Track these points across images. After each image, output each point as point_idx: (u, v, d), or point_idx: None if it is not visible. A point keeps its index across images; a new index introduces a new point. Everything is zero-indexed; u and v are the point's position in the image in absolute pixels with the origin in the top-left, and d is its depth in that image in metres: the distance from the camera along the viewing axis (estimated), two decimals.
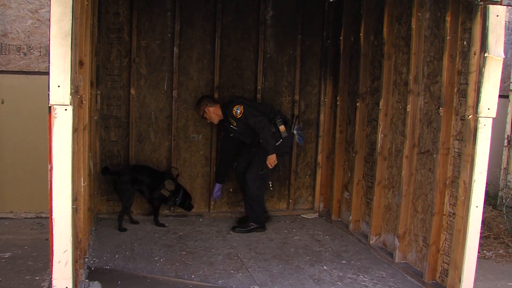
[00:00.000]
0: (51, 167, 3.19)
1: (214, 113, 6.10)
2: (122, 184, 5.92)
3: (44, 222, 5.93)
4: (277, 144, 5.86)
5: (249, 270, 4.76)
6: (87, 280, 4.15)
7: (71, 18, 3.11)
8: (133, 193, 6.00)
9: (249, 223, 6.02)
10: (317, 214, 6.92)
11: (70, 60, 3.12)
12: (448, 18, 4.29)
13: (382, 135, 5.41)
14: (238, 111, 5.88)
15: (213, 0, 6.38)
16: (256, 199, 6.03)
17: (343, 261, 5.14)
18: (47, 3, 5.87)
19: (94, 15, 5.59)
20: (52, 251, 3.24)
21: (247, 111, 5.85)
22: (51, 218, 3.22)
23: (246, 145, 6.23)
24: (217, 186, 6.49)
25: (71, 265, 3.29)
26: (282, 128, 5.88)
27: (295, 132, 6.05)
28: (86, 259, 4.42)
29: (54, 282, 3.27)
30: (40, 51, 6.07)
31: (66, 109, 3.17)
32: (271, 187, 6.06)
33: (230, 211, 6.68)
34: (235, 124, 6.01)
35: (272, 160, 5.81)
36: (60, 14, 3.08)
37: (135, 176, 6.01)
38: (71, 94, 3.16)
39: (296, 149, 6.82)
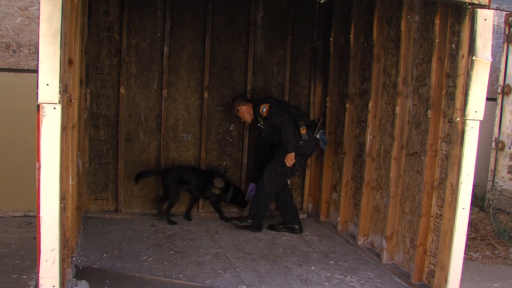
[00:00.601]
0: (39, 166, 3.18)
1: (246, 112, 6.20)
2: (167, 180, 6.21)
3: (32, 221, 5.90)
4: (298, 144, 5.86)
5: (237, 270, 4.76)
6: (74, 279, 4.14)
7: (61, 16, 3.10)
8: (178, 191, 6.21)
9: (248, 220, 6.03)
10: (306, 214, 6.93)
11: (59, 58, 3.11)
12: (437, 21, 4.32)
13: (370, 137, 5.43)
14: (264, 110, 5.96)
15: (204, 0, 6.38)
16: (266, 197, 6.03)
17: (331, 262, 5.16)
18: (37, 0, 5.85)
19: (84, 13, 5.58)
20: (39, 249, 3.23)
21: (272, 109, 5.92)
22: (39, 217, 3.21)
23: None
24: (252, 185, 6.53)
25: (58, 264, 3.27)
26: (303, 130, 5.88)
27: (318, 136, 6.01)
28: (73, 258, 4.41)
29: (41, 281, 3.26)
30: (30, 49, 6.04)
31: (54, 108, 3.15)
32: (289, 186, 6.06)
33: None
34: (262, 123, 6.11)
35: (290, 158, 5.81)
36: (49, 12, 3.07)
37: (181, 175, 6.24)
38: (60, 92, 3.15)
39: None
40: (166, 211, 6.21)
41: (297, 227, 6.11)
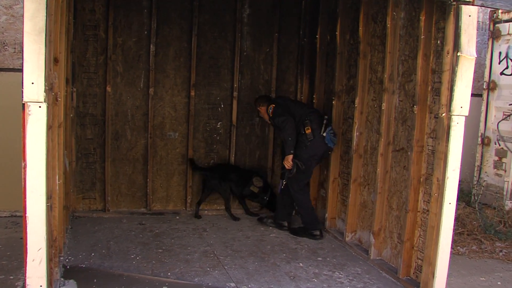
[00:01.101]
0: (25, 165, 3.17)
1: (265, 113, 6.17)
2: (214, 181, 6.41)
3: (19, 221, 5.85)
4: (306, 144, 5.75)
5: (226, 267, 4.76)
6: (62, 279, 4.13)
7: (45, 14, 3.08)
8: (225, 187, 6.47)
9: (308, 231, 5.91)
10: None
11: (44, 57, 3.09)
12: (422, 18, 4.35)
13: (357, 133, 5.46)
14: (270, 110, 5.97)
15: None
16: (296, 198, 5.96)
17: (319, 258, 5.18)
18: None
19: (70, 11, 5.54)
20: (26, 249, 3.21)
21: (276, 110, 5.92)
22: (25, 216, 3.19)
23: None
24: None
25: (45, 264, 3.26)
26: (307, 130, 5.76)
27: (324, 134, 5.82)
28: (61, 258, 4.39)
29: (28, 281, 3.25)
30: (15, 48, 5.99)
31: (40, 106, 3.14)
32: (282, 186, 6.02)
33: (207, 208, 6.67)
34: (272, 123, 6.17)
35: (287, 160, 5.77)
36: (33, 10, 3.05)
37: (223, 173, 6.43)
38: (45, 91, 3.13)
39: (272, 147, 6.85)
40: (226, 208, 6.54)
41: (285, 224, 6.12)
